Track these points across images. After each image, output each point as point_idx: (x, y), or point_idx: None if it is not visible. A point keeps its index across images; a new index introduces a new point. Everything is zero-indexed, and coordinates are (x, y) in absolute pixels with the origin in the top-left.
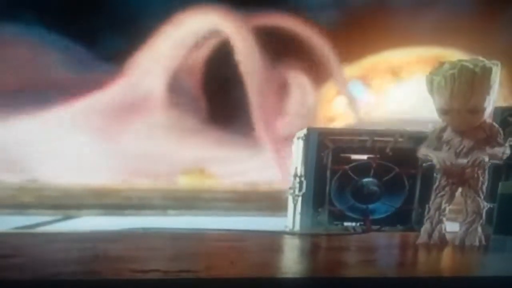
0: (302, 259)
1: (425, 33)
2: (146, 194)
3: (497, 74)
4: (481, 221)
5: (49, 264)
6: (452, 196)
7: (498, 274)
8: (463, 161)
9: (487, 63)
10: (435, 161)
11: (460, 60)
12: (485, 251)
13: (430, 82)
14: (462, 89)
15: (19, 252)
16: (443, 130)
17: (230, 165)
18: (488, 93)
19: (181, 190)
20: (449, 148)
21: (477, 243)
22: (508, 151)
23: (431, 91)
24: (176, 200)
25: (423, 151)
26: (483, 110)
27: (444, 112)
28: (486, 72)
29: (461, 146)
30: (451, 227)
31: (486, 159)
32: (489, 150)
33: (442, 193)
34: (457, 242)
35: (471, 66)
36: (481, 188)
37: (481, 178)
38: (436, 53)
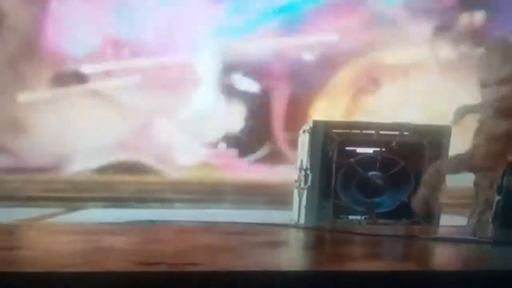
0: (307, 252)
1: None
2: (153, 187)
3: None
4: (491, 212)
5: (55, 256)
6: None
7: (503, 268)
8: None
9: None
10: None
11: None
12: (491, 244)
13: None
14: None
15: (25, 244)
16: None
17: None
18: None
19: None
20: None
21: (488, 236)
22: None
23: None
24: (183, 193)
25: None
26: None
27: (483, 84)
28: None
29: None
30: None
31: None
32: None
33: None
34: (467, 235)
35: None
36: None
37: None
38: None
